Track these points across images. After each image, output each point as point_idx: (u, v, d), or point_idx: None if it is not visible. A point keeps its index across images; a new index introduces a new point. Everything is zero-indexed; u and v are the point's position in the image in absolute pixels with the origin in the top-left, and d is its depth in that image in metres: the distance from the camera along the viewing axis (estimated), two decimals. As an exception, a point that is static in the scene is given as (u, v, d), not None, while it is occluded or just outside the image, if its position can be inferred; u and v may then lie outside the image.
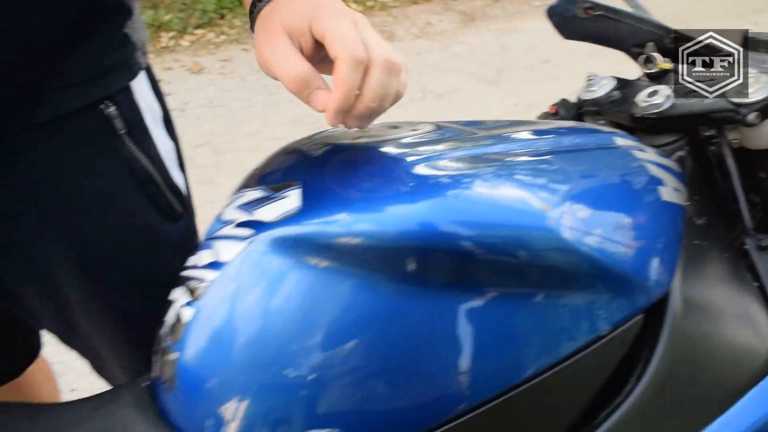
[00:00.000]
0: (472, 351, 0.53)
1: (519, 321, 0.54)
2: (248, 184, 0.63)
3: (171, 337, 0.57)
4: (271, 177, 0.61)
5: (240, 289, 0.54)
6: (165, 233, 0.73)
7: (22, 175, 0.65)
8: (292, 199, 0.55)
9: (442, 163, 0.57)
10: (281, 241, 0.53)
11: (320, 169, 0.59)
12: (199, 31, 4.10)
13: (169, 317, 0.59)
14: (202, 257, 0.59)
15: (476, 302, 0.53)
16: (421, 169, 0.56)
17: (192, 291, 0.57)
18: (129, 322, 0.75)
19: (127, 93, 0.68)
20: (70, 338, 0.81)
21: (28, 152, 0.64)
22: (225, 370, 0.53)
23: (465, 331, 0.53)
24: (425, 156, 0.59)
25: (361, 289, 0.51)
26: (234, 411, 0.53)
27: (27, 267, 0.70)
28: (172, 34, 4.06)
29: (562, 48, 3.90)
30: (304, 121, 3.05)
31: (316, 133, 0.69)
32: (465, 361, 0.53)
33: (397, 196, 0.54)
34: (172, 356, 0.56)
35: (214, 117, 3.18)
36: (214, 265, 0.56)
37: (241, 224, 0.57)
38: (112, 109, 0.67)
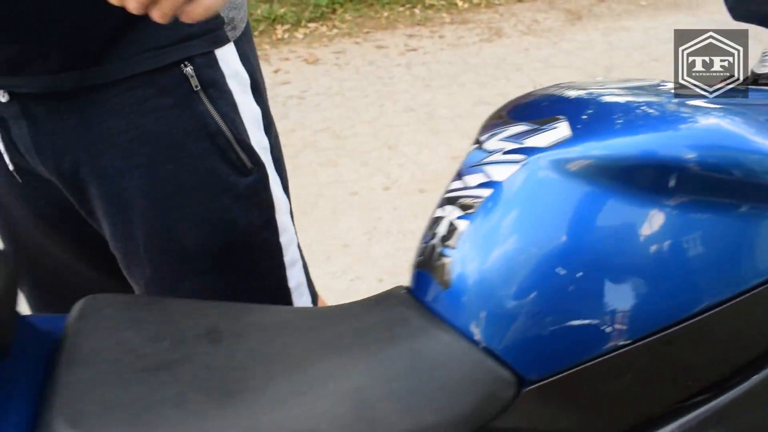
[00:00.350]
0: (696, 258, 0.62)
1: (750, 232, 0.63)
2: (498, 123, 0.74)
3: (446, 244, 0.69)
4: (530, 115, 0.72)
5: (516, 203, 0.65)
6: (230, 183, 0.84)
7: (112, 115, 0.79)
8: (562, 129, 0.66)
9: (675, 100, 0.68)
10: (557, 161, 0.63)
11: (577, 106, 0.70)
12: (312, 25, 4.29)
13: (440, 229, 0.70)
14: (469, 180, 0.70)
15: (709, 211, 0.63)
16: (663, 107, 0.67)
17: (465, 206, 0.68)
18: (184, 263, 0.86)
19: (209, 57, 0.81)
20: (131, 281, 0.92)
21: (118, 97, 0.78)
22: (497, 272, 0.64)
23: (697, 240, 0.62)
24: (659, 99, 0.69)
25: (628, 205, 0.62)
26: (503, 310, 0.63)
27: (113, 201, 0.82)
28: (286, 26, 4.25)
29: (671, 47, 3.91)
30: (418, 110, 3.17)
31: (558, 84, 0.80)
32: (691, 267, 0.62)
33: (647, 126, 0.65)
34: (448, 260, 0.68)
35: (332, 105, 3.34)
36: (487, 185, 0.67)
37: (509, 152, 0.68)
38: (189, 69, 0.79)
